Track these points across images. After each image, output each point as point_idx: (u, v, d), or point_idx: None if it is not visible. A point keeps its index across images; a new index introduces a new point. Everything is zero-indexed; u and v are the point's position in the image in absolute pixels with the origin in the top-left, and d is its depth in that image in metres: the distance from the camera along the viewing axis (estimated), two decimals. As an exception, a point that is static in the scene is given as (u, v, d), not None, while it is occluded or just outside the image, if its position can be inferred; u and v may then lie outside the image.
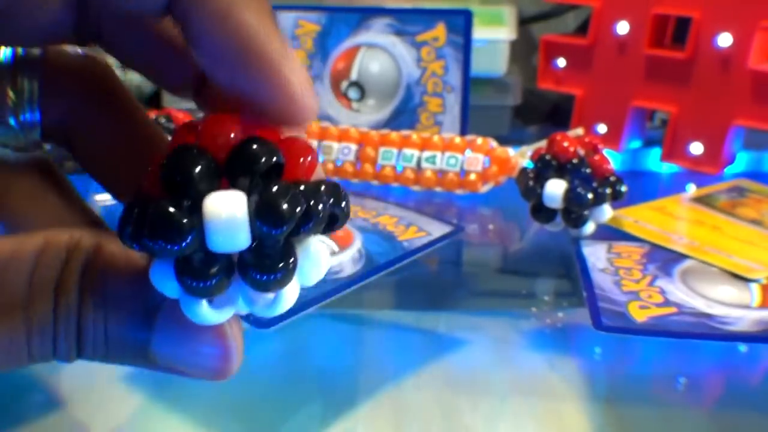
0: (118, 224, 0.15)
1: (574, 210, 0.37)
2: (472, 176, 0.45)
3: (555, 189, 0.37)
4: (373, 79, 0.52)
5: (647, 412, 0.28)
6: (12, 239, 0.16)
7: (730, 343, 0.31)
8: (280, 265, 0.14)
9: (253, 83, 0.15)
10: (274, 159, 0.14)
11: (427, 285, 0.38)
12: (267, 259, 0.14)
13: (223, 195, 0.14)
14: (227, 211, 0.14)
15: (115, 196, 0.22)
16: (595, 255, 0.37)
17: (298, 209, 0.14)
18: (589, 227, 0.38)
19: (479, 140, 0.46)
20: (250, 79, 0.15)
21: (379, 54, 0.51)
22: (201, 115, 0.18)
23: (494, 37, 0.53)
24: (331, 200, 0.15)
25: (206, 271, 0.14)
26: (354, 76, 0.52)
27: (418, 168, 0.46)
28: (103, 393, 0.29)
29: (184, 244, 0.14)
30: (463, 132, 0.50)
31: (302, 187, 0.15)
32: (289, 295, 0.15)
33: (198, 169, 0.14)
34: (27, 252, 0.16)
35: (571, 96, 0.53)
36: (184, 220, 0.14)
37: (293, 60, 0.15)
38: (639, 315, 0.31)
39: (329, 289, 0.32)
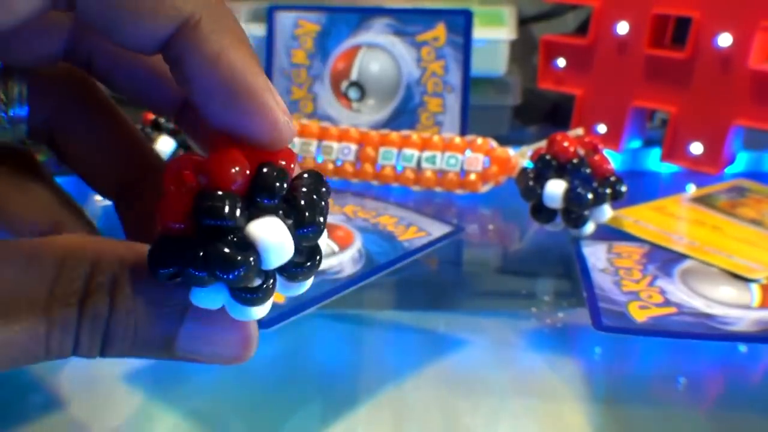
0: (150, 263, 0.16)
1: (574, 210, 0.37)
2: (472, 176, 0.45)
3: (555, 189, 0.37)
4: (373, 79, 0.52)
5: (647, 412, 0.28)
6: (28, 243, 0.17)
7: (730, 343, 0.31)
8: (314, 260, 0.17)
9: (243, 115, 0.17)
10: (287, 179, 0.17)
11: (427, 285, 0.38)
12: (305, 259, 0.17)
13: (267, 223, 0.16)
14: (277, 237, 0.16)
15: (98, 191, 0.23)
16: (595, 255, 0.37)
17: (323, 215, 0.17)
18: (589, 227, 0.38)
19: (479, 140, 0.46)
20: (241, 112, 0.17)
21: (379, 54, 0.51)
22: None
23: (494, 37, 0.53)
24: (323, 190, 0.18)
25: (262, 285, 0.16)
26: (354, 76, 0.52)
27: (418, 168, 0.46)
28: (103, 393, 0.29)
29: (244, 270, 0.16)
30: (463, 132, 0.50)
31: (315, 194, 0.17)
32: (309, 282, 0.18)
33: (232, 208, 0.16)
34: (47, 260, 0.17)
35: (571, 96, 0.53)
36: (240, 256, 0.16)
37: (275, 92, 0.17)
38: (639, 315, 0.31)
39: (329, 289, 0.32)
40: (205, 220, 0.16)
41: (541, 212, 0.38)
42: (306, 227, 0.17)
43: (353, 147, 0.47)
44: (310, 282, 0.18)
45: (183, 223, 0.16)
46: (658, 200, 0.45)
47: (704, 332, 0.30)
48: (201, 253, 0.16)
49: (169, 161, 0.18)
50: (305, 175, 0.17)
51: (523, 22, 0.62)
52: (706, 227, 0.41)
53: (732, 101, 0.47)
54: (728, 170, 0.49)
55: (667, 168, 0.51)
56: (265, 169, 0.16)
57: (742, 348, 0.32)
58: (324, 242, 0.18)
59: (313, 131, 0.48)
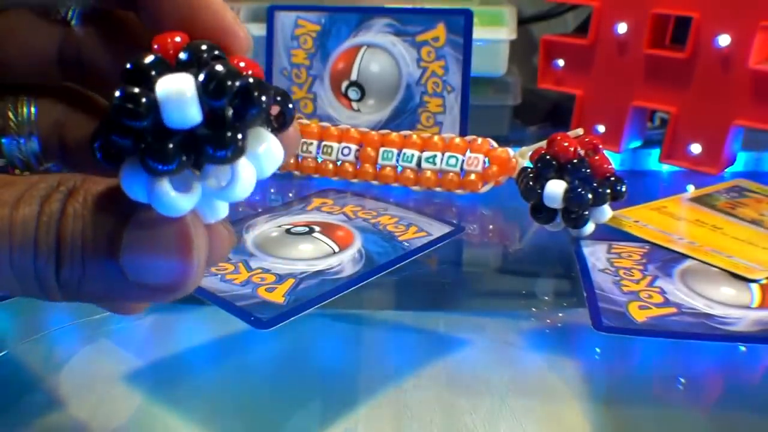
0: (89, 141, 0.17)
1: (574, 210, 0.37)
2: (472, 176, 0.45)
3: (555, 189, 0.37)
4: (373, 79, 0.52)
5: (647, 412, 0.28)
6: (13, 176, 0.18)
7: (730, 343, 0.31)
8: (229, 136, 0.16)
9: (195, 19, 0.19)
10: (216, 51, 0.17)
11: (427, 285, 0.38)
12: (218, 132, 0.16)
13: (172, 76, 0.16)
14: (177, 88, 0.16)
15: None
16: (595, 255, 0.37)
17: (239, 83, 0.16)
18: (589, 227, 0.38)
19: (479, 140, 0.46)
20: (192, 15, 0.19)
21: (379, 54, 0.51)
22: None
23: (494, 37, 0.53)
24: (279, 98, 0.17)
25: (166, 147, 0.16)
26: (354, 76, 0.52)
27: (418, 168, 0.46)
28: (103, 393, 0.29)
29: (145, 120, 0.16)
30: (463, 132, 0.50)
31: (248, 75, 0.16)
32: (245, 175, 0.17)
33: (149, 60, 0.16)
34: (20, 181, 0.18)
35: (571, 96, 0.53)
36: (142, 98, 0.16)
37: (225, 5, 0.19)
38: (639, 315, 0.31)
39: (329, 289, 0.32)
40: (127, 74, 0.16)
41: (541, 212, 0.38)
42: (214, 93, 0.16)
43: (353, 147, 0.47)
44: (240, 181, 0.17)
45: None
46: (658, 200, 0.45)
47: (704, 332, 0.30)
48: (107, 115, 0.16)
49: None
50: (267, 82, 0.17)
51: (523, 22, 0.62)
52: (706, 227, 0.41)
53: (732, 101, 0.47)
54: (728, 170, 0.49)
55: (667, 168, 0.51)
56: (196, 40, 0.17)
57: (742, 348, 0.32)
58: (269, 145, 0.17)
59: (313, 131, 0.48)
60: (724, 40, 0.46)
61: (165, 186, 0.16)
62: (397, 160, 0.47)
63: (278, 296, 0.31)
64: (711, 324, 0.30)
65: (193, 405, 0.28)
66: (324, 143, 0.48)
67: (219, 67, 0.16)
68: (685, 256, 0.37)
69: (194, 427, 0.27)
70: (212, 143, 0.16)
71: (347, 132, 0.48)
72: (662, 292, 0.33)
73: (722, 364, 0.32)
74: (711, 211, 0.43)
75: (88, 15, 0.22)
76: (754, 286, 0.34)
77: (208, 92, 0.16)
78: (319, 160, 0.48)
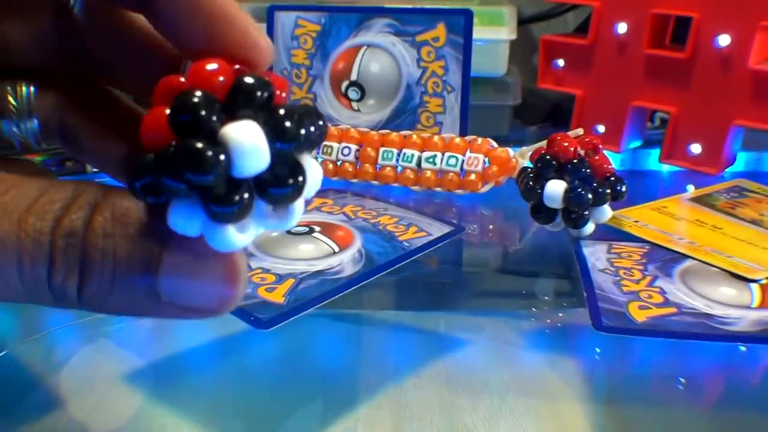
0: (130, 179, 0.16)
1: (574, 210, 0.37)
2: (472, 176, 0.45)
3: (555, 189, 0.37)
4: (373, 79, 0.52)
5: (647, 412, 0.28)
6: (15, 176, 0.17)
7: (730, 343, 0.31)
8: (295, 178, 0.16)
9: (213, 27, 0.17)
10: (270, 90, 0.16)
11: (427, 285, 0.38)
12: (283, 175, 0.16)
13: (242, 125, 0.15)
14: (251, 138, 0.15)
15: (115, 178, 0.23)
16: (595, 255, 0.37)
17: (303, 128, 0.16)
18: (589, 227, 0.38)
19: (479, 140, 0.46)
20: (211, 24, 0.17)
21: (379, 54, 0.51)
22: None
23: (494, 37, 0.53)
24: (321, 122, 0.17)
25: (234, 196, 0.16)
26: (354, 76, 0.52)
27: (418, 168, 0.46)
28: (103, 393, 0.29)
29: (214, 174, 0.15)
30: (463, 132, 0.50)
31: (302, 113, 0.16)
32: (299, 207, 0.17)
33: (209, 107, 0.15)
34: (29, 185, 0.16)
35: (571, 96, 0.53)
36: (210, 152, 0.15)
37: (247, 16, 0.18)
38: (639, 315, 0.31)
39: (329, 289, 0.32)
40: (178, 117, 0.15)
41: (541, 212, 0.38)
42: (283, 138, 0.16)
43: (353, 147, 0.47)
44: (297, 213, 0.17)
45: (160, 132, 0.16)
46: (658, 200, 0.45)
47: (704, 332, 0.30)
48: (171, 152, 0.15)
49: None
50: (299, 102, 0.17)
51: (523, 22, 0.62)
52: (706, 227, 0.41)
53: (732, 101, 0.47)
54: (728, 170, 0.49)
55: (667, 168, 0.51)
56: (246, 78, 0.16)
57: (742, 348, 0.32)
58: (314, 171, 0.17)
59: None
60: (724, 40, 0.46)
61: (228, 229, 0.16)
62: (397, 160, 0.47)
63: (278, 296, 0.31)
64: (711, 324, 0.30)
65: (193, 405, 0.28)
66: (324, 143, 0.48)
67: (283, 112, 0.16)
68: (685, 256, 0.37)
69: (194, 427, 0.27)
70: (278, 185, 0.16)
71: (347, 132, 0.48)
72: (662, 292, 0.33)
73: (722, 364, 0.32)
74: (711, 211, 0.43)
75: (95, 8, 0.22)
76: (754, 286, 0.34)
77: (278, 138, 0.16)
78: (319, 160, 0.48)
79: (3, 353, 0.30)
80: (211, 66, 0.16)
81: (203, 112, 0.15)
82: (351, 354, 0.32)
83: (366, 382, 0.29)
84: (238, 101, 0.16)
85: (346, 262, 0.35)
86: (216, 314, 0.17)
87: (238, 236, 0.16)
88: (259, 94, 0.16)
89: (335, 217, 0.40)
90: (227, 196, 0.15)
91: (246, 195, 0.16)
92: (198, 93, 0.15)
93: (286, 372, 0.31)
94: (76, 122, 0.23)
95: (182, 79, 0.16)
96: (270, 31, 0.52)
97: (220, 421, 0.28)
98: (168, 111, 0.16)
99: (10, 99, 0.22)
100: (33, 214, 0.16)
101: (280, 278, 0.33)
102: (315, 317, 0.32)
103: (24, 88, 0.22)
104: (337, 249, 0.36)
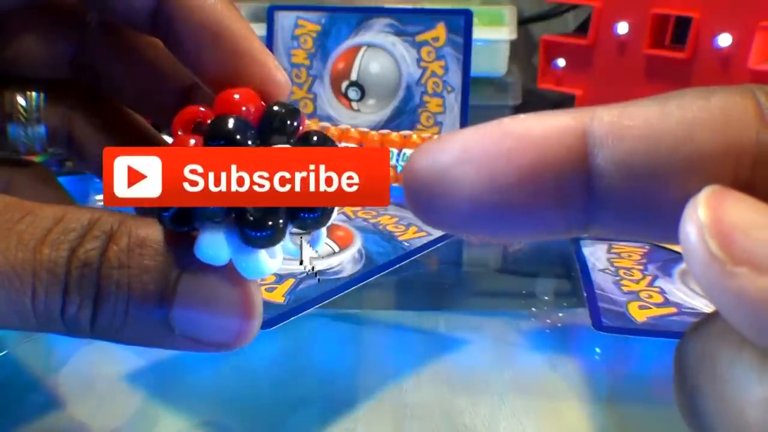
0: (160, 209, 0.16)
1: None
2: (472, 176, 0.45)
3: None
4: (373, 79, 0.52)
5: (647, 412, 0.28)
6: (31, 203, 0.17)
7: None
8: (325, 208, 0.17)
9: (232, 57, 0.18)
10: (299, 118, 0.17)
11: (427, 285, 0.38)
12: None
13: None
14: None
15: None
16: (595, 255, 0.37)
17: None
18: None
19: (479, 140, 0.46)
20: (230, 53, 0.18)
21: (379, 54, 0.51)
22: None
23: (494, 37, 0.53)
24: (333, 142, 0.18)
25: (268, 220, 0.16)
26: (354, 76, 0.52)
27: (418, 168, 0.46)
28: (103, 393, 0.29)
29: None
30: (463, 132, 0.50)
31: (329, 141, 0.17)
32: (324, 233, 0.18)
33: (243, 132, 0.16)
34: (45, 212, 0.16)
35: (571, 96, 0.53)
36: None
37: (266, 50, 0.18)
38: (639, 315, 0.31)
39: (329, 289, 0.32)
40: (214, 142, 0.15)
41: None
42: None
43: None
44: (322, 238, 0.18)
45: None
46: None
47: (704, 332, 0.30)
48: None
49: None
50: (314, 128, 0.18)
51: (523, 22, 0.62)
52: (706, 227, 0.41)
53: (732, 101, 0.47)
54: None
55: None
56: (276, 106, 0.17)
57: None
58: None
59: (313, 131, 0.48)
60: (724, 40, 0.46)
61: (260, 254, 0.16)
62: (397, 160, 0.47)
63: (278, 296, 0.31)
64: (711, 324, 0.30)
65: (193, 405, 0.28)
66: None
67: (316, 140, 0.16)
68: (685, 256, 0.37)
69: (194, 427, 0.27)
70: (309, 210, 0.16)
71: (347, 132, 0.48)
72: (662, 292, 0.33)
73: (722, 364, 0.32)
74: (711, 211, 0.43)
75: (112, 28, 0.22)
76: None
77: None
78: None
79: (3, 353, 0.30)
80: (239, 95, 0.17)
81: (239, 137, 0.16)
82: (351, 354, 0.32)
83: (366, 382, 0.29)
84: (272, 127, 0.16)
85: (346, 262, 0.35)
86: (231, 348, 0.17)
87: (269, 261, 0.16)
88: (289, 122, 0.17)
89: (335, 216, 0.40)
90: (262, 221, 0.16)
91: (281, 220, 0.16)
92: (232, 118, 0.16)
93: (286, 372, 0.31)
94: (83, 132, 0.23)
95: (202, 108, 0.17)
96: (270, 31, 0.52)
97: (220, 421, 0.28)
98: (202, 137, 0.16)
99: (20, 104, 0.22)
100: (48, 245, 0.16)
101: (280, 278, 0.33)
102: (315, 317, 0.32)
103: (34, 95, 0.23)
104: (337, 249, 0.36)
